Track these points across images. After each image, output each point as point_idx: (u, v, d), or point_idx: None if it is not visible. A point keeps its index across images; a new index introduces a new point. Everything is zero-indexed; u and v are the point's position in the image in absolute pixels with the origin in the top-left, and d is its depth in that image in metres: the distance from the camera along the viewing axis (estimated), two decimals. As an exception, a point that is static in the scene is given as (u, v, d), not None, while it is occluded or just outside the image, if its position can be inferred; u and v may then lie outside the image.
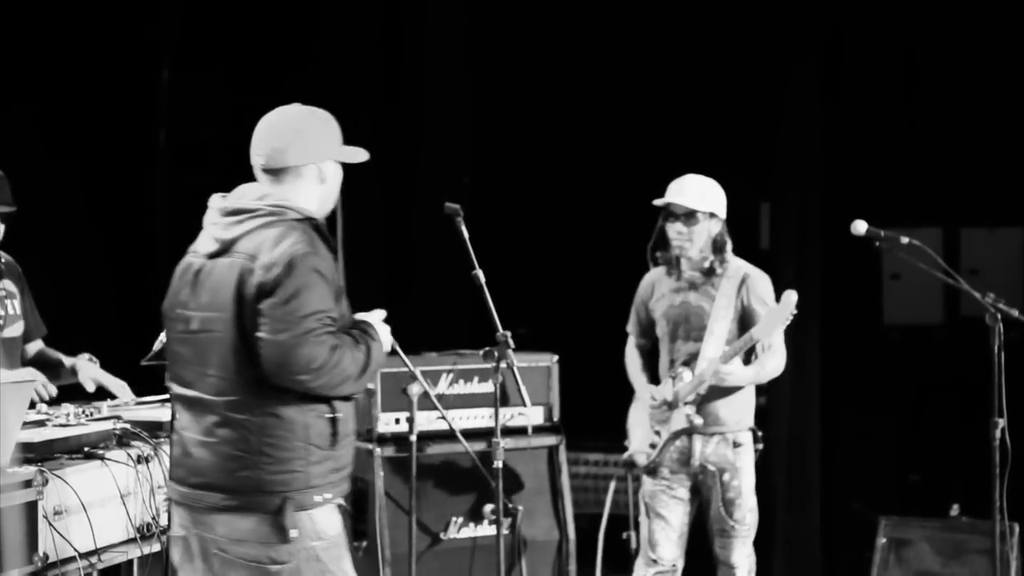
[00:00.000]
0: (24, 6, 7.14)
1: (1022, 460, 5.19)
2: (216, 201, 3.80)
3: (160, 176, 8.02)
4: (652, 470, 5.47)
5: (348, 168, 7.69)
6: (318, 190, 3.78)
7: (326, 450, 3.65)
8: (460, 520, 5.94)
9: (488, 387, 5.81)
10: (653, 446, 5.46)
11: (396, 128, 8.24)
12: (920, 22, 7.80)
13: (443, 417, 5.78)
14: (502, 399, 5.35)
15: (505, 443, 5.36)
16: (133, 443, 4.33)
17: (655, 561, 5.43)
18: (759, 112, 7.65)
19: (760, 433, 5.54)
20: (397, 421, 5.90)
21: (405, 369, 5.71)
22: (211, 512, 3.66)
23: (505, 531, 5.63)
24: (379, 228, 8.21)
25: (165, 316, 3.84)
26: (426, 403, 5.77)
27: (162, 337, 4.08)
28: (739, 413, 5.46)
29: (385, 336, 3.80)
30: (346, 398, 3.69)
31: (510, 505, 5.52)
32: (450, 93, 8.22)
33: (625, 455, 5.58)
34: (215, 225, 3.76)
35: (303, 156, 3.75)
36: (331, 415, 3.65)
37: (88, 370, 4.94)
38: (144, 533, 4.28)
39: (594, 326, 6.13)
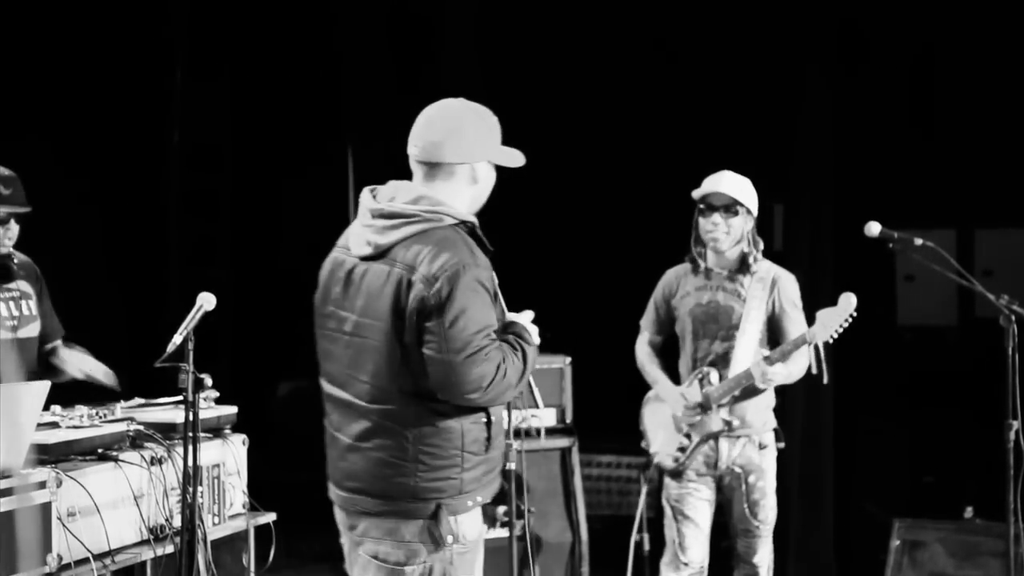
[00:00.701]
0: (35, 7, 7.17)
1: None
2: (367, 199, 3.76)
3: (173, 177, 8.04)
4: (678, 473, 5.44)
5: (362, 171, 7.68)
6: (469, 190, 3.77)
7: (481, 455, 3.67)
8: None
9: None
10: (682, 449, 5.42)
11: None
12: (935, 21, 7.78)
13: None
14: (515, 401, 5.35)
15: (518, 445, 5.36)
16: (147, 445, 4.35)
17: (686, 564, 5.43)
18: (773, 113, 7.64)
19: (781, 432, 5.53)
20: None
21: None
22: (364, 516, 3.67)
23: (518, 533, 5.62)
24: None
25: (316, 311, 3.84)
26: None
27: (175, 339, 4.09)
28: (764, 415, 5.46)
29: (535, 337, 3.82)
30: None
31: (523, 507, 5.51)
32: (464, 95, 8.22)
33: (651, 458, 5.54)
34: (368, 227, 3.71)
35: (458, 154, 3.73)
36: (486, 420, 3.66)
37: (74, 360, 4.96)
38: (158, 535, 4.29)
39: (607, 328, 6.13)
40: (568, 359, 6.20)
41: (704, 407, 5.39)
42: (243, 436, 4.86)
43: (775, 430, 5.48)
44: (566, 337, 6.35)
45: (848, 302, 5.09)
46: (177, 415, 4.40)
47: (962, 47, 8.06)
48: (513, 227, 8.01)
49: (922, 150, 8.18)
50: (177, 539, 4.23)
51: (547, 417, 6.03)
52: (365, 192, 3.79)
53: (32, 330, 4.92)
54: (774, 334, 5.38)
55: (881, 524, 6.47)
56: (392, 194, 3.72)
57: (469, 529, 3.69)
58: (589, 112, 8.35)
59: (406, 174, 8.25)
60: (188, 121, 8.00)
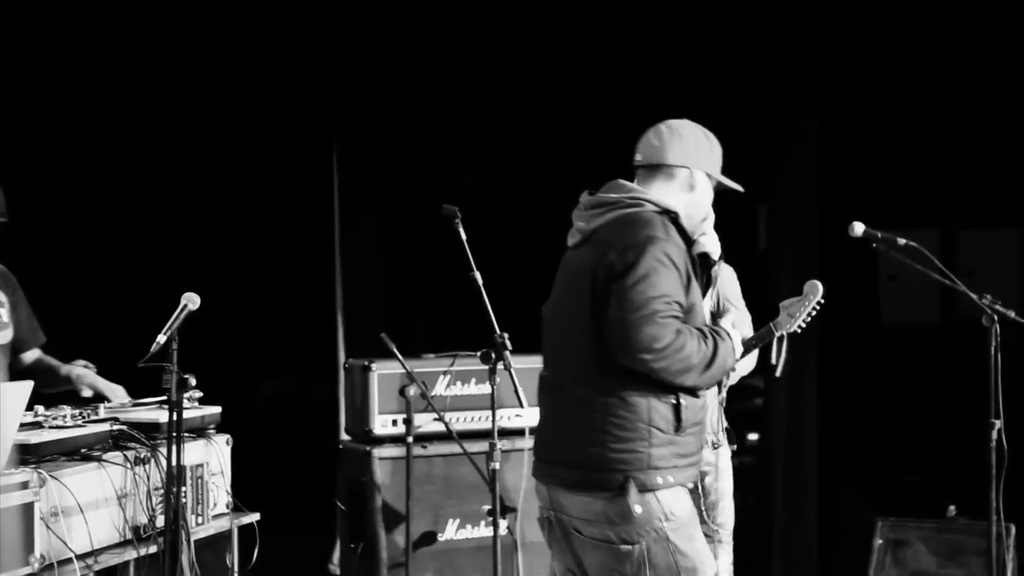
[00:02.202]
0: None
1: (1018, 461, 5.19)
2: (584, 197, 4.01)
3: (158, 176, 8.02)
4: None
5: (347, 171, 7.66)
6: (685, 196, 3.95)
7: (669, 434, 3.77)
8: (457, 521, 5.94)
9: (485, 388, 5.80)
10: None
11: (395, 129, 8.24)
12: (916, 22, 7.80)
13: (440, 419, 5.80)
14: (499, 400, 5.35)
15: (502, 444, 5.36)
16: (130, 445, 4.34)
17: None
18: (757, 113, 7.64)
19: (733, 432, 5.46)
20: (394, 423, 5.90)
21: (402, 371, 5.74)
22: (562, 489, 3.83)
23: (502, 532, 5.62)
24: (378, 229, 8.21)
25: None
26: (423, 405, 5.77)
27: (159, 339, 4.08)
28: (717, 412, 5.37)
29: (738, 341, 3.92)
30: (691, 392, 3.79)
31: (507, 506, 5.50)
32: (451, 95, 8.22)
33: None
34: (579, 219, 3.98)
35: (678, 157, 3.95)
36: (675, 401, 3.76)
37: (85, 377, 4.94)
38: (141, 535, 4.28)
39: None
40: (552, 359, 6.20)
41: None
42: (227, 436, 4.85)
43: (727, 430, 5.41)
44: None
45: (814, 290, 4.92)
46: (161, 415, 4.39)
47: (945, 47, 8.08)
48: (496, 227, 8.03)
49: (906, 150, 8.20)
50: (160, 539, 4.23)
51: (531, 417, 6.01)
52: (584, 193, 4.04)
53: (3, 337, 4.89)
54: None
55: (865, 523, 6.48)
56: (608, 190, 3.96)
57: (676, 507, 3.78)
58: (577, 115, 8.36)
59: (393, 174, 8.22)
60: (173, 119, 7.98)
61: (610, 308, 3.71)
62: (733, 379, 5.35)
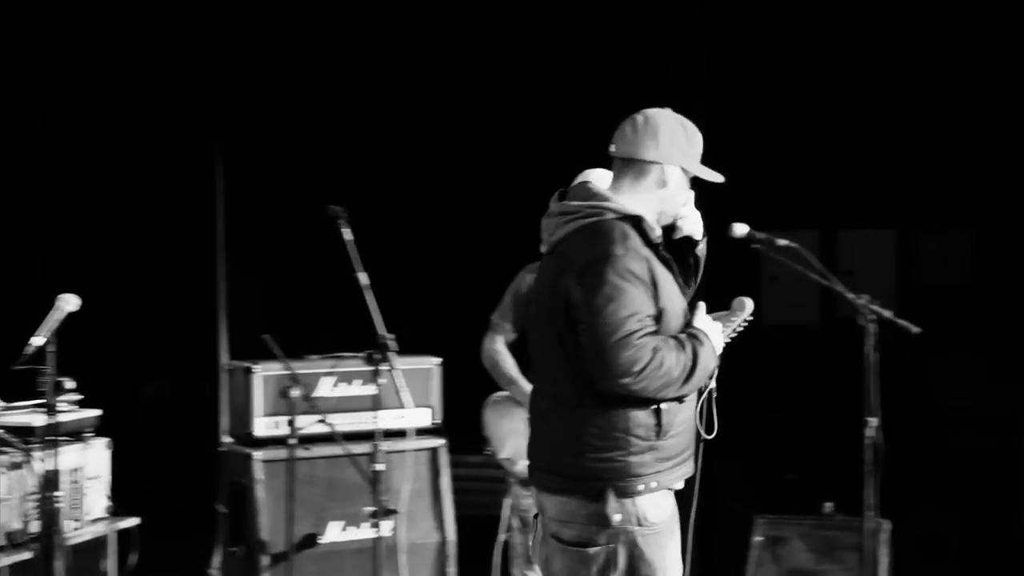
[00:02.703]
0: None
1: (893, 458, 5.30)
2: (552, 203, 3.91)
3: (39, 175, 7.89)
4: (524, 479, 5.16)
5: (235, 168, 7.61)
6: (657, 193, 3.87)
7: (650, 441, 3.74)
8: (340, 523, 5.91)
9: (370, 390, 5.78)
10: None
11: (281, 133, 8.19)
12: (797, 25, 7.92)
13: (323, 420, 5.76)
14: (384, 402, 5.33)
15: (386, 446, 5.34)
16: (3, 449, 4.25)
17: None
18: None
19: None
20: (277, 425, 5.85)
21: (284, 372, 5.70)
22: (545, 492, 3.84)
23: (385, 534, 5.60)
24: (263, 231, 8.15)
25: None
26: (306, 406, 5.73)
27: (33, 341, 4.00)
28: None
29: (716, 338, 3.85)
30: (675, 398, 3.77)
31: (390, 508, 5.48)
32: (339, 98, 8.19)
33: (515, 466, 5.24)
34: (545, 228, 3.91)
35: (650, 153, 3.86)
36: (655, 408, 3.73)
37: None
38: (14, 541, 4.20)
39: (477, 329, 6.13)
40: (437, 360, 6.19)
41: None
42: (107, 439, 4.77)
43: None
44: (435, 338, 6.36)
45: (742, 307, 4.51)
46: (36, 419, 4.30)
47: (822, 51, 8.21)
48: (383, 230, 8.00)
49: (786, 152, 8.32)
50: (35, 545, 4.14)
51: (416, 418, 6.00)
52: (555, 197, 3.94)
53: None
54: None
55: (744, 520, 6.56)
56: (575, 194, 3.88)
57: (652, 513, 3.77)
58: (463, 120, 8.36)
59: (278, 174, 8.16)
60: (53, 122, 7.85)
61: (581, 335, 3.68)
62: None
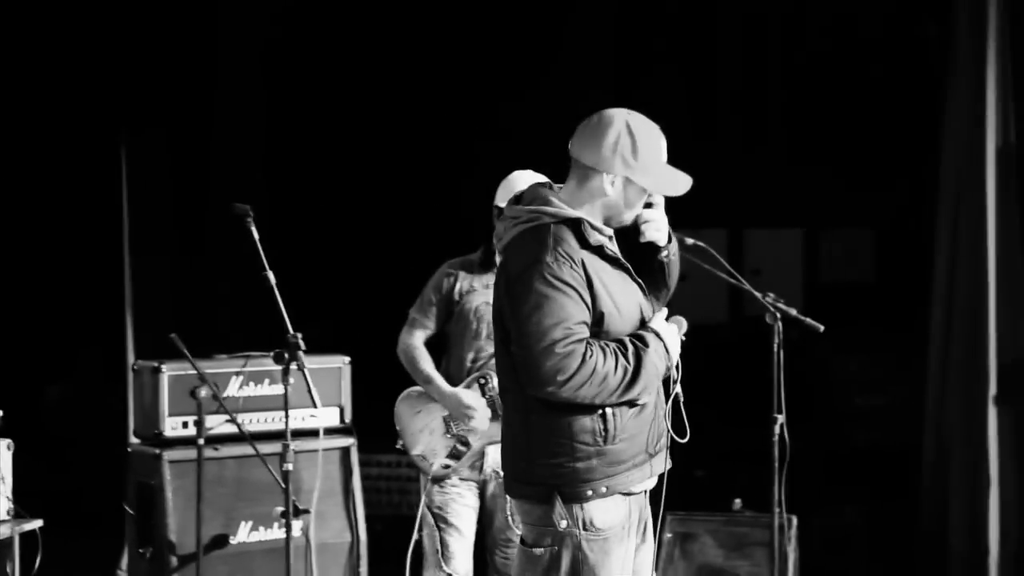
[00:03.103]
0: None
1: (799, 455, 5.37)
2: (508, 204, 3.91)
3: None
4: (441, 478, 5.23)
5: (136, 169, 7.51)
6: (601, 199, 3.79)
7: (598, 446, 3.70)
8: (250, 523, 5.86)
9: (279, 389, 5.74)
10: (456, 456, 5.20)
11: (187, 128, 8.11)
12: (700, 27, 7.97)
13: (232, 420, 5.71)
14: (293, 401, 5.29)
15: (296, 445, 5.31)
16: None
17: (450, 575, 5.23)
18: (546, 112, 7.69)
19: None
20: (185, 425, 5.79)
21: (192, 372, 5.64)
22: (509, 494, 3.94)
23: (296, 534, 5.57)
24: (169, 229, 8.06)
25: None
26: (215, 406, 5.69)
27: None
28: None
29: (672, 339, 3.77)
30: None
31: (301, 507, 5.45)
32: (244, 95, 8.12)
33: (427, 464, 5.23)
34: (497, 232, 3.93)
35: (591, 159, 3.77)
36: (601, 413, 3.69)
37: None
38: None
39: (386, 327, 6.12)
40: (347, 359, 6.17)
41: (495, 414, 5.16)
42: (8, 441, 4.70)
43: None
44: (345, 337, 6.34)
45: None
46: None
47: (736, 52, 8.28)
48: (293, 228, 7.96)
49: (695, 151, 8.38)
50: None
51: (326, 417, 5.98)
52: (511, 198, 3.94)
53: None
54: None
55: (653, 517, 6.60)
56: (523, 197, 3.86)
57: (600, 517, 3.73)
58: (371, 114, 8.34)
59: (186, 166, 8.09)
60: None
61: (512, 343, 3.69)
62: None
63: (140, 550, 5.81)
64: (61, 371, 8.98)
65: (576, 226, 3.73)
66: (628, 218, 3.84)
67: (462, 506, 5.24)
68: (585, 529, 3.73)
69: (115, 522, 6.50)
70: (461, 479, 5.23)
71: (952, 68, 7.02)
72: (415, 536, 5.32)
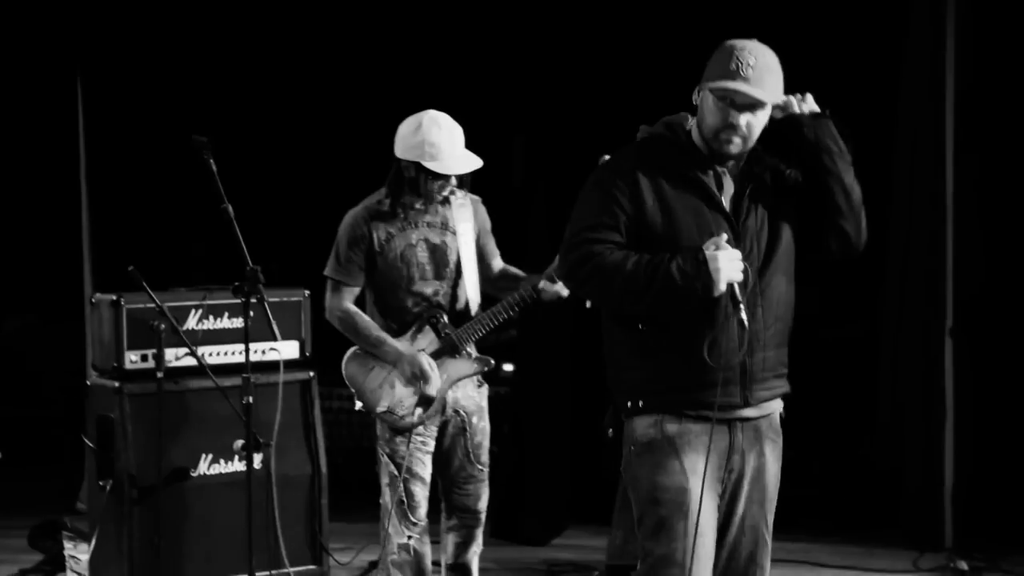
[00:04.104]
0: None
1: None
2: None
3: None
4: (406, 428, 5.17)
5: (93, 100, 7.40)
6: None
7: (634, 360, 3.74)
8: (210, 456, 5.87)
9: (239, 322, 5.73)
10: (427, 401, 5.15)
11: (147, 58, 8.03)
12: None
13: (192, 353, 5.70)
14: (253, 334, 5.27)
15: (256, 378, 5.30)
16: None
17: (415, 524, 5.21)
18: (513, 42, 7.64)
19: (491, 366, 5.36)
20: (144, 358, 5.78)
21: (152, 305, 5.62)
22: None
23: (256, 466, 5.58)
24: (129, 160, 8.00)
25: None
26: (175, 339, 5.67)
27: None
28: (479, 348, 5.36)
29: (717, 263, 3.56)
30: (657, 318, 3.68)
31: (261, 440, 5.45)
32: (206, 25, 8.06)
33: (395, 417, 5.16)
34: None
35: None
36: (640, 327, 3.71)
37: None
38: None
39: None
40: (307, 292, 6.15)
41: (455, 351, 5.21)
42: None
43: (485, 364, 5.32)
44: (304, 270, 6.32)
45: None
46: None
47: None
48: (252, 163, 7.91)
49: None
50: None
51: (286, 350, 5.97)
52: None
53: None
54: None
55: (617, 449, 6.63)
56: None
57: (640, 434, 3.76)
58: (329, 48, 8.29)
59: (141, 107, 7.97)
60: None
61: None
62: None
63: (100, 483, 5.80)
64: (19, 304, 8.93)
65: (664, 139, 3.78)
66: (710, 134, 3.70)
67: (424, 454, 5.22)
68: (631, 445, 3.79)
69: (75, 455, 6.50)
70: (425, 426, 5.20)
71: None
72: (392, 493, 5.25)
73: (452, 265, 5.26)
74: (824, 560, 6.75)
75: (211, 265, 7.44)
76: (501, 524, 7.15)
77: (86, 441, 5.96)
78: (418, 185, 5.13)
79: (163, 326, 5.56)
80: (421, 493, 5.22)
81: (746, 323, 3.58)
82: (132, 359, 5.80)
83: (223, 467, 5.90)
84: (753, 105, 3.63)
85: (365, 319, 5.22)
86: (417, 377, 5.14)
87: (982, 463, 7.00)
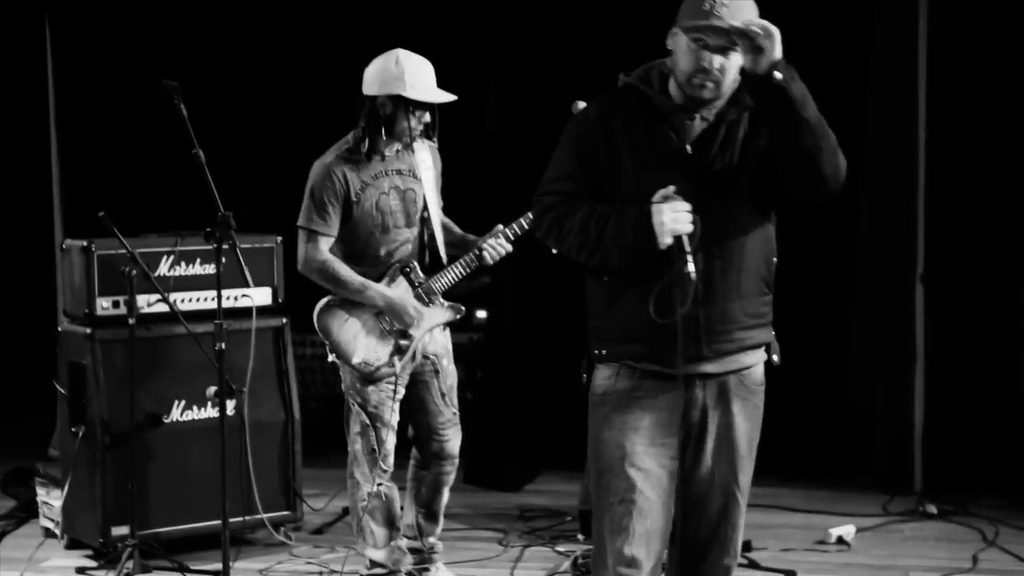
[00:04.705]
0: None
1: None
2: None
3: None
4: (377, 378, 5.20)
5: (61, 42, 7.30)
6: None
7: (601, 311, 3.72)
8: (183, 403, 5.87)
9: (210, 269, 5.71)
10: (401, 351, 5.20)
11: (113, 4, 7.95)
12: None
13: (164, 299, 5.69)
14: (225, 281, 5.25)
15: (229, 325, 5.29)
16: None
17: (386, 471, 5.25)
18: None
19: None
20: (116, 304, 5.76)
21: (123, 251, 5.60)
22: None
23: (229, 413, 5.58)
24: (101, 105, 7.92)
25: None
26: (146, 285, 5.65)
27: None
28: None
29: (661, 216, 3.50)
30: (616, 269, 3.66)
31: (234, 387, 5.45)
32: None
33: (371, 368, 5.16)
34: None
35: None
36: (605, 278, 3.70)
37: None
38: None
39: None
40: (279, 238, 6.13)
41: (429, 299, 5.24)
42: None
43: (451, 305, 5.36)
44: (277, 216, 6.29)
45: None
46: None
47: None
48: (223, 107, 7.85)
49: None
50: None
51: (259, 297, 5.96)
52: None
53: None
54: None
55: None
56: None
57: (598, 384, 3.75)
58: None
59: (111, 50, 7.87)
60: None
61: None
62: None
63: (72, 429, 5.80)
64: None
65: (635, 89, 3.71)
66: (681, 78, 3.62)
67: (395, 402, 5.24)
68: (593, 393, 3.77)
69: (47, 401, 6.49)
70: (396, 374, 5.21)
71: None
72: (364, 442, 5.27)
73: (419, 212, 5.28)
74: (794, 504, 6.79)
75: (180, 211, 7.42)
76: (475, 470, 7.18)
77: (58, 388, 5.95)
78: (394, 122, 5.12)
79: (134, 272, 5.54)
80: (391, 442, 5.25)
81: (692, 276, 3.49)
82: (103, 305, 5.79)
83: (196, 414, 5.90)
84: (726, 48, 3.55)
85: (345, 267, 5.19)
86: (405, 320, 5.16)
87: (952, 408, 7.05)
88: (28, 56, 7.81)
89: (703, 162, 3.64)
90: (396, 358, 5.19)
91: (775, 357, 3.86)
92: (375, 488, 5.23)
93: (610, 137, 3.66)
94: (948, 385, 7.04)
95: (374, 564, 5.36)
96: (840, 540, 6.12)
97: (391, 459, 5.27)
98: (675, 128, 3.66)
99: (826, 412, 7.67)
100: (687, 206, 3.53)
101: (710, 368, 3.69)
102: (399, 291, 5.22)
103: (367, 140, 5.17)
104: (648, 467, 3.67)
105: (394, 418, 5.25)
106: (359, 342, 5.20)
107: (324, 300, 5.27)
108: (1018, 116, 7.02)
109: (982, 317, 7.17)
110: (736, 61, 3.56)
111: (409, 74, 5.07)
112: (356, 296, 5.19)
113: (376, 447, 5.21)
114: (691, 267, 3.50)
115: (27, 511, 6.48)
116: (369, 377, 5.19)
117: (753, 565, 5.76)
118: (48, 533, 6.16)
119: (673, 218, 3.51)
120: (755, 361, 3.81)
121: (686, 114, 3.66)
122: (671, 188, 3.53)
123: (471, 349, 8.01)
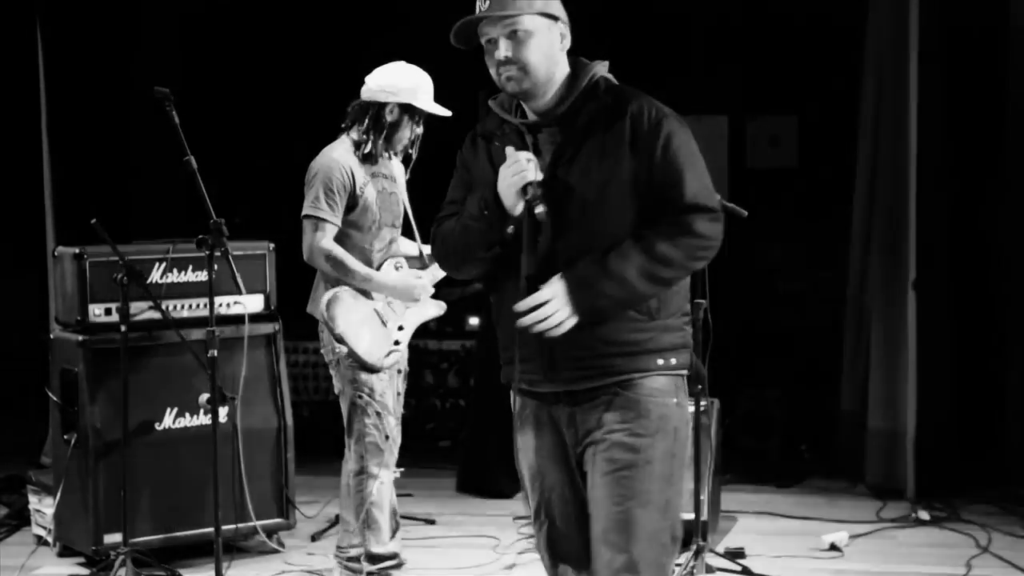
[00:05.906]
0: None
1: (723, 339, 5.45)
2: None
3: None
4: (380, 368, 5.26)
5: (53, 48, 7.30)
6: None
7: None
8: (175, 410, 5.86)
9: (203, 276, 5.70)
10: (398, 342, 5.30)
11: (109, 11, 7.94)
12: None
13: (156, 306, 5.68)
14: (217, 288, 5.24)
15: (221, 332, 5.28)
16: None
17: (393, 459, 5.37)
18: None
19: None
20: (108, 311, 5.75)
21: (115, 258, 5.58)
22: None
23: (222, 420, 5.57)
24: (92, 112, 7.91)
25: None
26: (139, 292, 5.65)
27: None
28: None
29: (501, 184, 3.45)
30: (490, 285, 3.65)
31: (227, 394, 5.44)
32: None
33: (373, 358, 5.21)
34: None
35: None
36: (492, 298, 3.68)
37: None
38: None
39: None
40: (271, 245, 6.13)
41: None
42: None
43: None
44: (269, 222, 6.29)
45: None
46: None
47: None
48: (216, 114, 7.85)
49: (625, 42, 8.32)
50: None
51: (252, 303, 5.96)
52: None
53: None
54: None
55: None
56: None
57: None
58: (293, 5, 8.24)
59: (102, 49, 7.85)
60: None
61: None
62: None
63: (64, 437, 5.79)
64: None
65: (493, 109, 3.67)
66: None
67: (392, 388, 5.35)
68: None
69: (39, 409, 6.48)
70: (389, 364, 5.32)
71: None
72: (379, 432, 5.31)
73: (400, 214, 5.44)
74: (788, 511, 6.80)
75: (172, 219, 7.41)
76: (468, 478, 7.18)
77: (50, 395, 5.94)
78: (397, 129, 5.29)
79: (127, 279, 5.54)
80: (397, 429, 5.37)
81: (543, 216, 3.41)
82: (96, 312, 5.78)
83: (188, 421, 5.89)
84: (510, 35, 3.49)
85: (351, 256, 5.24)
86: (414, 295, 5.29)
87: (944, 414, 7.06)
88: (20, 64, 7.79)
89: (558, 177, 3.49)
90: (396, 348, 5.31)
91: (674, 361, 3.54)
92: (385, 479, 5.29)
93: (477, 158, 3.66)
94: (940, 391, 7.04)
95: (378, 559, 5.38)
96: (833, 547, 6.13)
97: (397, 448, 5.37)
98: (535, 145, 3.55)
99: (819, 419, 7.68)
100: (526, 155, 3.46)
101: (572, 386, 3.53)
102: (400, 274, 5.34)
103: (368, 143, 5.28)
104: (551, 483, 3.63)
105: (398, 408, 5.37)
106: (364, 331, 5.24)
107: (332, 291, 5.25)
108: (1008, 124, 7.04)
109: (974, 324, 7.18)
110: (533, 42, 3.51)
111: (421, 86, 5.28)
112: (362, 284, 5.24)
113: (387, 435, 5.30)
114: (541, 208, 3.40)
115: (19, 519, 6.46)
116: (371, 368, 5.24)
117: (746, 572, 5.76)
118: (40, 541, 6.15)
119: (512, 171, 3.44)
120: (640, 374, 3.51)
121: (539, 130, 3.57)
122: (511, 148, 3.48)
123: (464, 356, 8.00)
